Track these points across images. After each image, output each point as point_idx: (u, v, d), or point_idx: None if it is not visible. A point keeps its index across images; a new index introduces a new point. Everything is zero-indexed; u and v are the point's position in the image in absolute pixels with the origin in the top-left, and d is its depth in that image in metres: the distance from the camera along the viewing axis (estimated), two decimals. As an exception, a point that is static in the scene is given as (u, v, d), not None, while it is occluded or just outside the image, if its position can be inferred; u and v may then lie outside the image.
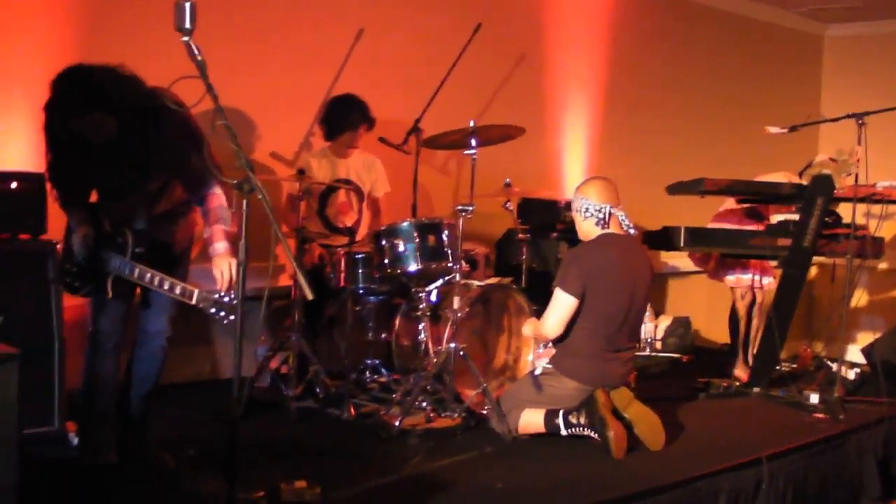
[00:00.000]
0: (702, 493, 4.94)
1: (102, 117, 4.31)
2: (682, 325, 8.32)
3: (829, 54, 11.29)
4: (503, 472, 4.87)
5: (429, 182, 7.23)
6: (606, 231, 5.43)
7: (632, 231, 5.50)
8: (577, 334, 5.33)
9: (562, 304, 5.28)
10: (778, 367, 7.31)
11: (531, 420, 5.32)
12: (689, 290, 7.66)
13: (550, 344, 5.53)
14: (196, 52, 3.73)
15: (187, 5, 3.73)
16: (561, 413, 5.24)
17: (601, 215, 5.40)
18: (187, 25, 3.73)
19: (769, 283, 7.20)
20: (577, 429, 5.19)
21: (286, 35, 6.83)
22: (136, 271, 4.48)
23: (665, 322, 8.43)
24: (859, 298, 10.40)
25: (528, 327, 5.65)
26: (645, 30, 9.33)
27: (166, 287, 4.41)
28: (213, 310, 4.23)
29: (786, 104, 10.15)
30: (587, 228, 5.47)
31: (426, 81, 7.01)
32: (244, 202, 3.72)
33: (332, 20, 7.06)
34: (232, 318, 4.07)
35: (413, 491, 4.61)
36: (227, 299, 4.16)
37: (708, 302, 7.43)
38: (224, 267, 4.48)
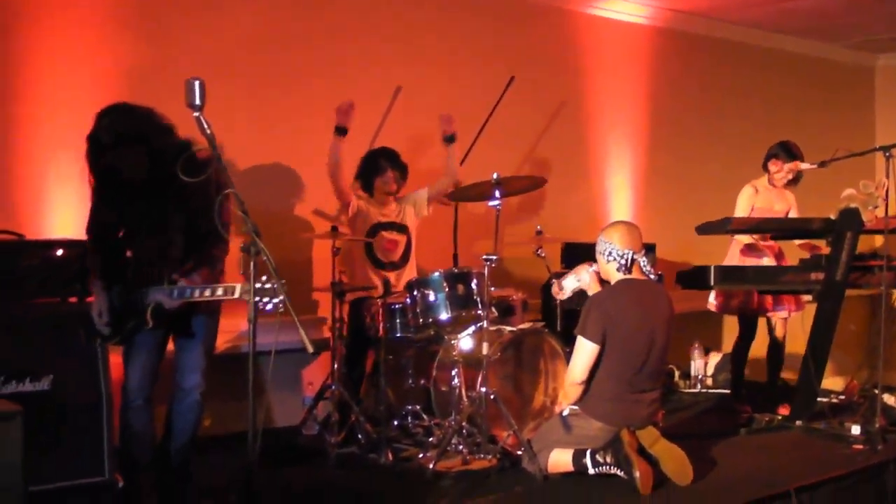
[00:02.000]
0: (728, 526, 5.04)
1: (136, 153, 4.59)
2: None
3: (881, 83, 11.32)
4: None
5: (471, 230, 7.43)
6: (627, 276, 5.59)
7: (652, 276, 5.66)
8: (600, 377, 5.48)
9: (584, 351, 5.45)
10: (826, 400, 7.38)
11: (560, 459, 5.47)
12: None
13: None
14: (206, 126, 3.99)
15: (196, 83, 3.97)
16: (588, 452, 5.39)
17: (623, 261, 5.55)
18: (197, 102, 3.98)
19: (785, 315, 7.26)
20: (605, 467, 5.34)
21: (329, 95, 7.04)
22: (176, 292, 4.70)
23: (715, 359, 8.51)
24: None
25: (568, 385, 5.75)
26: (684, 70, 9.52)
27: (208, 294, 4.61)
28: (258, 299, 4.35)
29: (839, 135, 10.14)
30: (609, 271, 5.64)
31: (466, 133, 7.25)
32: (251, 263, 3.96)
33: (370, 79, 7.34)
34: (278, 300, 4.12)
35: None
36: (268, 286, 4.15)
37: (762, 338, 7.50)
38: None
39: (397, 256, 6.91)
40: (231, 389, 5.12)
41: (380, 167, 6.80)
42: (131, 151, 4.61)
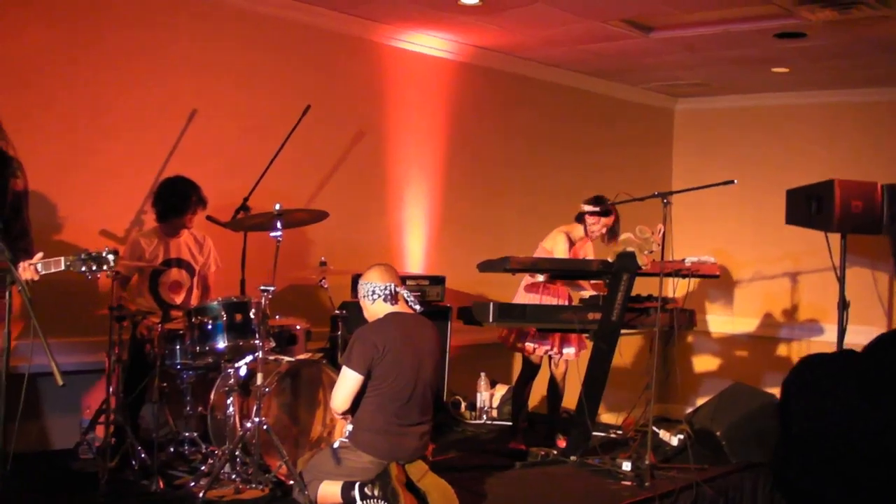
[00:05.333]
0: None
1: None
2: (517, 394, 8.49)
3: (679, 127, 11.76)
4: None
5: (261, 257, 7.35)
6: (394, 309, 5.71)
7: (417, 308, 5.79)
8: (367, 409, 5.57)
9: (348, 381, 5.55)
10: (605, 434, 7.61)
11: (329, 491, 5.51)
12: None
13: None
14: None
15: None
16: (357, 485, 5.44)
17: (387, 292, 5.70)
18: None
19: (569, 353, 7.45)
20: (372, 500, 5.39)
21: (119, 112, 7.04)
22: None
23: (501, 391, 8.67)
24: (707, 363, 10.89)
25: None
26: (486, 105, 9.69)
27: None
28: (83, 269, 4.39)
29: (639, 175, 10.53)
30: (376, 310, 5.75)
31: (260, 160, 7.22)
32: (7, 293, 3.94)
33: (165, 100, 7.28)
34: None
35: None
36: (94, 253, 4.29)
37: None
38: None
39: (180, 299, 6.89)
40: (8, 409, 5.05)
41: (191, 205, 6.72)
42: None
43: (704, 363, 11.27)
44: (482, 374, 8.65)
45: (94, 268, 4.45)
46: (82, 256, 4.50)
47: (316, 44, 8.23)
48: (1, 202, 4.37)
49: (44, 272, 4.45)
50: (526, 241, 7.82)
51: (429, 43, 9.00)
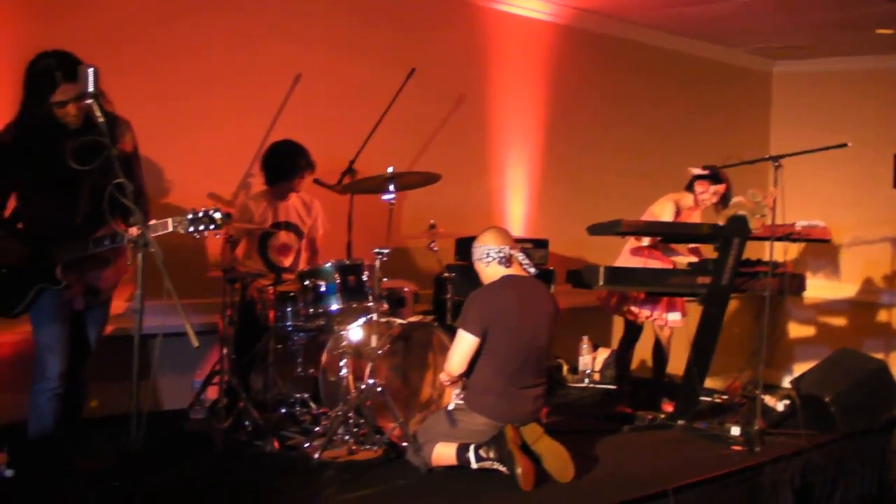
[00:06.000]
0: (604, 525, 5.14)
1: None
2: (618, 358, 8.44)
3: (777, 90, 11.58)
4: (409, 504, 5.07)
5: (367, 220, 7.36)
6: (508, 272, 5.70)
7: (532, 271, 5.76)
8: (484, 371, 5.57)
9: (464, 344, 5.56)
10: (709, 399, 7.54)
11: (444, 453, 5.54)
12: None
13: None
14: (100, 114, 3.98)
15: (90, 71, 3.98)
16: (472, 447, 5.46)
17: (502, 255, 5.68)
18: (90, 89, 3.98)
19: (675, 318, 7.39)
20: (487, 462, 5.42)
21: (226, 79, 7.09)
22: (90, 244, 4.71)
23: (603, 354, 8.63)
24: (803, 330, 10.76)
25: (444, 375, 5.84)
26: (587, 68, 9.62)
27: (127, 238, 4.52)
28: (190, 229, 4.44)
29: (735, 139, 10.40)
30: (491, 273, 5.75)
31: (364, 125, 7.27)
32: (140, 255, 3.96)
33: (270, 66, 7.31)
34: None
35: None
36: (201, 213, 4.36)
37: (652, 334, 7.67)
38: None
39: (289, 261, 6.94)
40: (117, 371, 5.10)
41: (299, 169, 6.75)
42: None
43: (801, 329, 11.12)
44: (584, 338, 8.61)
45: (201, 227, 4.44)
46: (189, 217, 4.49)
47: (417, 7, 8.23)
48: (126, 166, 4.36)
49: (152, 234, 4.48)
50: (625, 204, 7.71)
51: (529, 5, 8.95)
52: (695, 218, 7.40)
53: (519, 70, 9.05)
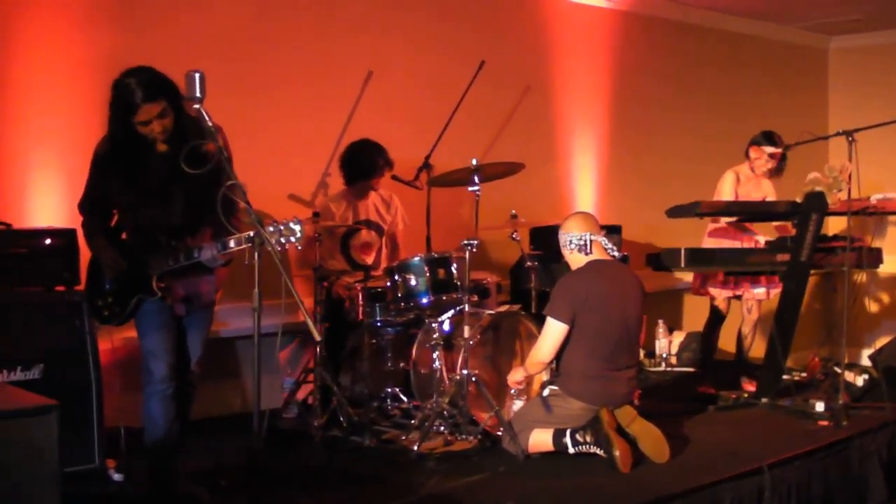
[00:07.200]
0: (705, 503, 5.20)
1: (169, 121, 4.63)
2: (695, 340, 8.49)
3: (834, 66, 11.55)
4: (514, 490, 5.14)
5: (444, 215, 7.46)
6: (592, 257, 5.77)
7: (615, 254, 5.85)
8: (578, 356, 5.65)
9: (553, 331, 5.64)
10: (788, 377, 7.57)
11: (541, 439, 5.62)
12: (705, 306, 7.95)
13: (554, 367, 5.85)
14: (208, 118, 4.07)
15: (197, 76, 4.05)
16: (568, 432, 5.54)
17: (582, 242, 5.75)
18: (198, 94, 4.06)
19: (759, 292, 7.42)
20: (584, 447, 5.49)
21: (300, 79, 7.18)
22: (181, 255, 4.76)
23: (679, 338, 8.68)
24: (878, 305, 10.69)
25: (518, 373, 5.87)
26: (646, 52, 9.66)
27: (216, 251, 4.63)
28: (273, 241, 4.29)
29: (794, 117, 10.36)
30: (576, 259, 5.83)
31: (435, 119, 7.35)
32: (256, 254, 4.06)
33: (342, 64, 7.40)
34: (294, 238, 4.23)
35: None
36: (282, 226, 4.22)
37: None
38: None
39: (371, 259, 7.01)
40: (210, 373, 5.20)
41: (379, 168, 6.83)
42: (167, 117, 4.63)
43: (877, 303, 11.04)
44: (660, 322, 8.66)
45: (282, 240, 4.35)
46: (270, 229, 4.40)
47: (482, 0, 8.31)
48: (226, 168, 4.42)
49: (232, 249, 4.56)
50: (689, 187, 7.80)
51: (589, -7, 9.04)
52: (764, 187, 7.47)
53: (581, 58, 9.10)
